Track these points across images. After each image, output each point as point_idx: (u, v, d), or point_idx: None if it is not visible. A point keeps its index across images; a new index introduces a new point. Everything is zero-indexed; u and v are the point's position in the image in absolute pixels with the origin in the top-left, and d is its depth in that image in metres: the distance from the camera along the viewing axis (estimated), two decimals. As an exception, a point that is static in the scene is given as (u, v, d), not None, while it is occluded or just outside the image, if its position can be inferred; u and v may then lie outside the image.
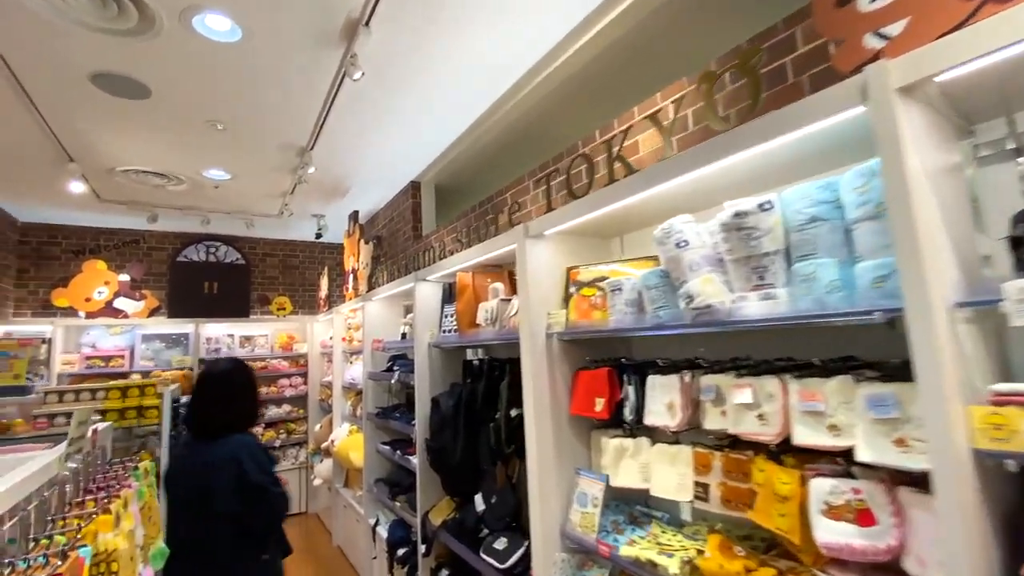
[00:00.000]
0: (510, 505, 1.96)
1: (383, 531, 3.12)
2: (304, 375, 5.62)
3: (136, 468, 1.43)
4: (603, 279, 1.63)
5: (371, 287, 4.04)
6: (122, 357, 4.91)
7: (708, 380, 1.29)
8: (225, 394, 1.88)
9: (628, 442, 1.51)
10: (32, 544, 0.83)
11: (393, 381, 2.98)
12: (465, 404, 2.31)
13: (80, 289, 4.92)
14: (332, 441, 4.19)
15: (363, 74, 2.23)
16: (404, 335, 3.35)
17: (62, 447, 1.00)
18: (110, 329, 5.02)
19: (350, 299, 4.46)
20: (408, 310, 3.77)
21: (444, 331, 2.57)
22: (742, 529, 1.33)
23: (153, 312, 5.28)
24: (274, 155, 3.52)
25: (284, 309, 5.86)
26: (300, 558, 4.06)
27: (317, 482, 4.60)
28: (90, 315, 4.93)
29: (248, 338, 5.58)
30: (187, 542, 1.60)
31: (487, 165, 3.78)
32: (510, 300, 2.04)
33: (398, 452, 3.02)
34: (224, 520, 1.65)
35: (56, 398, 2.49)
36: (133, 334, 5.11)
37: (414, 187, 4.15)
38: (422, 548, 2.43)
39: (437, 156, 3.73)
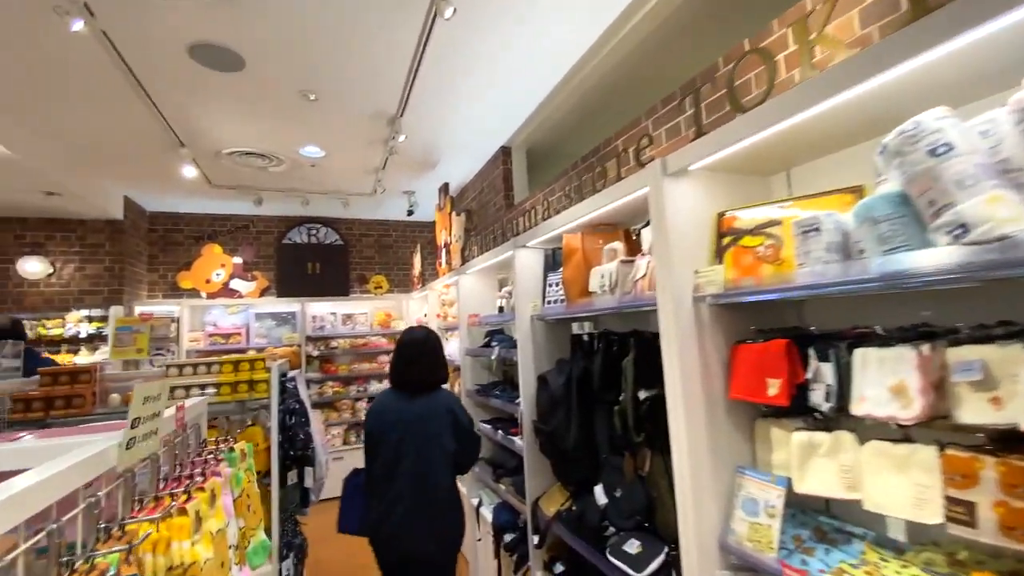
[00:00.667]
0: (640, 502, 1.66)
1: (487, 513, 2.97)
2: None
3: (232, 451, 1.30)
4: (772, 224, 1.24)
5: (464, 260, 3.86)
6: (239, 334, 5.24)
7: (965, 352, 0.89)
8: (431, 356, 2.20)
9: (821, 437, 1.13)
10: (64, 569, 0.59)
11: (493, 357, 2.78)
12: (577, 383, 2.03)
13: (201, 271, 5.30)
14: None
15: (455, 11, 1.97)
16: (501, 309, 3.12)
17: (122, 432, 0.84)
18: (228, 309, 5.37)
19: (443, 274, 4.34)
20: (503, 283, 3.54)
21: (549, 302, 2.29)
22: (1007, 562, 0.92)
23: (264, 292, 5.58)
24: (365, 126, 3.42)
25: (380, 288, 5.94)
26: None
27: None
28: (210, 295, 5.30)
29: (349, 316, 5.73)
30: (412, 474, 1.99)
31: (583, 123, 3.40)
32: (633, 261, 1.70)
33: (500, 432, 2.82)
34: (443, 456, 2.04)
35: (177, 371, 2.56)
36: (248, 313, 5.43)
37: (504, 153, 3.88)
38: (534, 539, 2.21)
39: (527, 117, 3.42)
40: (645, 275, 1.56)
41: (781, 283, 1.11)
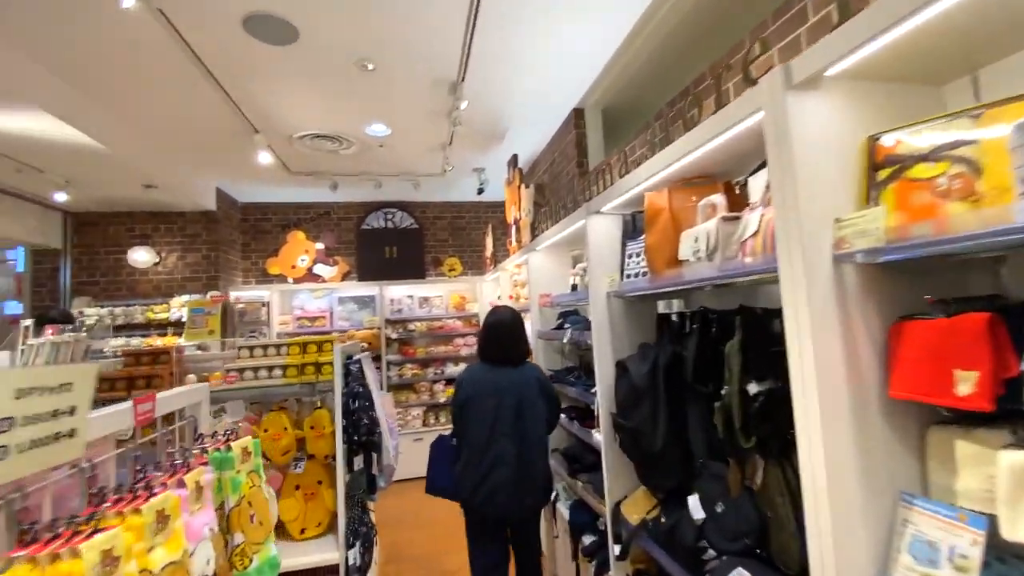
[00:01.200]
0: (749, 522, 1.31)
1: (564, 509, 2.73)
2: (477, 335, 5.58)
3: (228, 450, 1.10)
4: (960, 144, 0.84)
5: (534, 236, 3.59)
6: (324, 318, 5.40)
7: None
8: (516, 333, 2.44)
9: (1058, 462, 0.73)
10: None
11: (565, 340, 2.50)
12: (665, 372, 1.70)
13: (287, 257, 5.52)
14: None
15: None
16: (574, 287, 2.83)
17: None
18: (313, 293, 5.57)
19: (514, 253, 4.11)
20: (577, 260, 3.24)
21: (628, 276, 1.96)
22: None
23: (345, 276, 5.72)
24: (426, 96, 3.24)
25: (454, 270, 5.86)
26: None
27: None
28: (296, 280, 5.52)
29: (425, 299, 5.71)
30: (512, 437, 2.22)
31: (665, 74, 2.96)
32: (738, 218, 1.33)
33: (576, 423, 2.55)
34: (538, 420, 2.31)
35: (247, 352, 2.56)
36: (331, 297, 5.60)
37: (576, 115, 3.53)
38: (615, 549, 1.93)
39: (600, 73, 3.04)
40: (757, 232, 1.19)
41: (986, 226, 0.72)
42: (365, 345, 2.98)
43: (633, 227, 2.00)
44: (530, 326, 3.34)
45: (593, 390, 2.23)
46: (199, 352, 2.72)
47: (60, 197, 3.94)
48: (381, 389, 2.82)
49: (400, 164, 4.57)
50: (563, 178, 3.78)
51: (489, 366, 2.38)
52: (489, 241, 5.49)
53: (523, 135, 3.99)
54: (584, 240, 2.16)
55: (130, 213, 4.93)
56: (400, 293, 5.66)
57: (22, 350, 2.26)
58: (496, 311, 2.53)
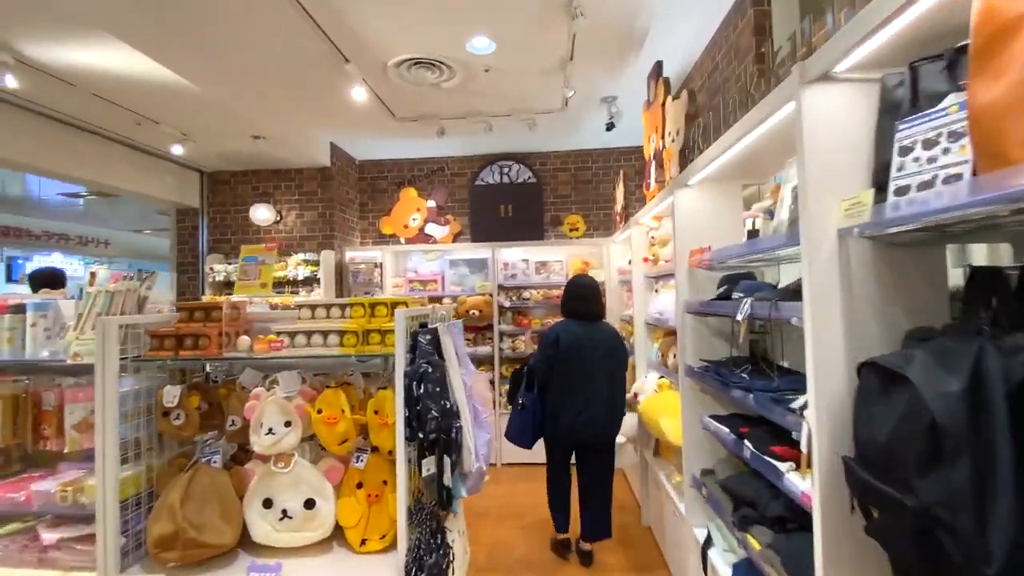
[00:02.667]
0: None
1: (721, 563, 1.84)
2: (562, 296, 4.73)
3: None
4: None
5: (683, 166, 2.59)
6: (435, 281, 5.00)
7: None
8: (597, 294, 3.02)
9: None
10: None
11: (740, 317, 1.55)
12: (1009, 397, 0.73)
13: (399, 216, 5.19)
14: (635, 395, 3.10)
15: None
16: (753, 233, 1.84)
17: None
18: (426, 255, 5.19)
19: (652, 199, 3.14)
20: (752, 200, 2.21)
21: (899, 191, 0.97)
22: None
23: (457, 237, 5.24)
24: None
25: (577, 230, 5.02)
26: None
27: (620, 439, 3.64)
28: (408, 241, 5.18)
29: (543, 264, 4.99)
30: (604, 378, 2.79)
31: None
32: None
33: (748, 445, 1.62)
34: (621, 365, 2.93)
35: (309, 313, 2.08)
36: (443, 260, 5.17)
37: (756, -9, 2.41)
38: None
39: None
40: None
41: None
42: (445, 312, 2.44)
43: (914, 96, 1.00)
44: (673, 297, 2.41)
45: (793, 403, 1.30)
46: (266, 310, 2.33)
47: (177, 150, 3.94)
48: (471, 367, 2.17)
49: (511, 96, 3.82)
50: (731, 85, 2.69)
51: (576, 322, 2.88)
52: (619, 193, 4.53)
53: (669, 36, 2.95)
54: (796, 138, 1.19)
55: (255, 171, 4.95)
56: (515, 256, 5.01)
57: (84, 297, 2.01)
58: (577, 276, 3.16)
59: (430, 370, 1.77)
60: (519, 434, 2.79)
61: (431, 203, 5.18)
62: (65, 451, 1.95)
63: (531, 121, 4.11)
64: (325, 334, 1.90)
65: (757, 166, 1.90)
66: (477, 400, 2.16)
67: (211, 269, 4.68)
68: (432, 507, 1.85)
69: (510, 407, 2.92)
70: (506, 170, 5.27)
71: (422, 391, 1.72)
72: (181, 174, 4.71)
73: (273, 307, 2.09)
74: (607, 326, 2.94)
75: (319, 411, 1.92)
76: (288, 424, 1.95)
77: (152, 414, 2.02)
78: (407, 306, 1.97)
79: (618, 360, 2.87)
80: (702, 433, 2.12)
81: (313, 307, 2.09)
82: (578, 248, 5.01)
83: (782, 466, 1.39)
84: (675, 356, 2.50)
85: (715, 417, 1.97)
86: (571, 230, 5.00)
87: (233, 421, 2.07)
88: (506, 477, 4.27)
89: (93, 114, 3.45)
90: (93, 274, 2.17)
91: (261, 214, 4.70)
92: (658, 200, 2.75)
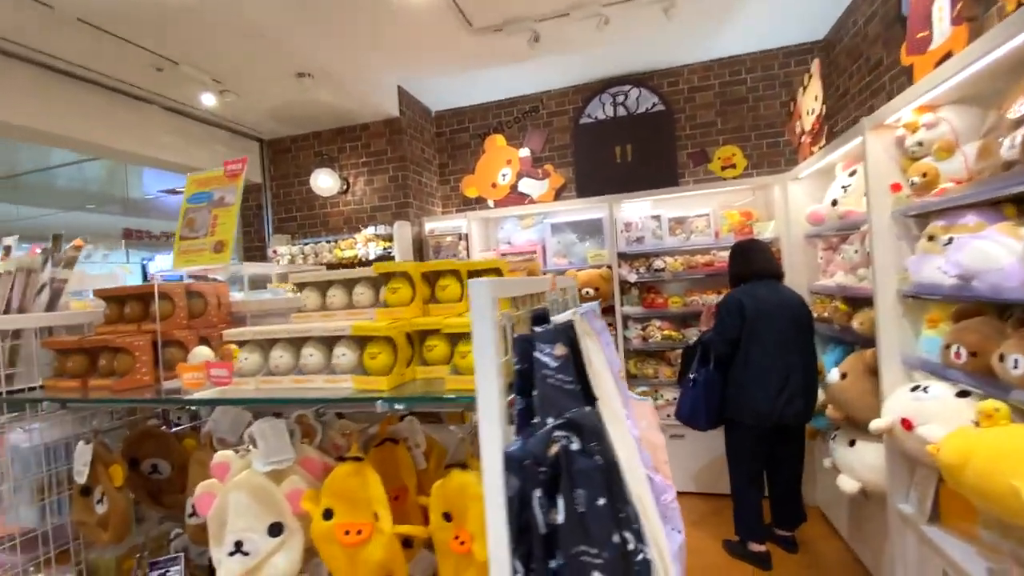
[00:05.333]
0: None
1: None
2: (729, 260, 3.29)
3: None
4: None
5: None
6: (534, 253, 3.88)
7: None
8: (770, 251, 2.71)
9: None
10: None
11: None
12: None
13: (485, 173, 4.12)
14: (905, 422, 1.72)
15: None
16: None
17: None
18: (521, 221, 4.08)
19: (924, 75, 1.70)
20: None
21: None
22: None
23: (560, 193, 4.06)
24: None
25: (733, 167, 3.56)
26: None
27: (849, 485, 2.25)
28: (497, 203, 4.10)
29: (680, 221, 3.64)
30: (797, 345, 2.45)
31: None
32: None
33: None
34: (810, 329, 2.52)
35: (316, 297, 1.04)
36: (543, 225, 4.02)
37: None
38: None
39: None
40: None
41: None
42: (567, 287, 1.30)
43: None
44: (985, 251, 1.04)
45: None
46: (280, 297, 1.36)
47: (209, 100, 3.18)
48: (627, 393, 1.03)
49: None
50: None
51: (756, 284, 2.53)
52: (807, 101, 3.02)
53: None
54: None
55: (316, 133, 4.16)
56: (640, 212, 3.71)
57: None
58: (750, 239, 2.87)
59: (576, 449, 0.62)
60: (691, 414, 2.54)
61: (524, 152, 4.04)
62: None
63: (668, 4, 2.76)
64: (330, 344, 0.84)
65: None
66: (649, 462, 0.99)
67: (274, 252, 3.98)
68: None
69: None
70: (621, 98, 3.96)
71: (560, 511, 0.58)
72: (236, 143, 4.04)
73: (139, 289, 1.11)
74: (790, 290, 2.61)
75: (327, 513, 0.86)
76: (276, 531, 0.92)
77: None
78: (500, 275, 0.85)
79: (808, 325, 2.52)
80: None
81: (326, 285, 1.04)
82: (732, 195, 3.58)
83: None
84: (1012, 359, 1.13)
85: None
86: (725, 168, 3.56)
87: (194, 507, 1.10)
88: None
89: (105, 63, 2.76)
90: (8, 248, 1.31)
91: (323, 181, 3.89)
92: (955, 67, 1.34)
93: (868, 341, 2.30)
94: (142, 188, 8.54)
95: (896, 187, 2.02)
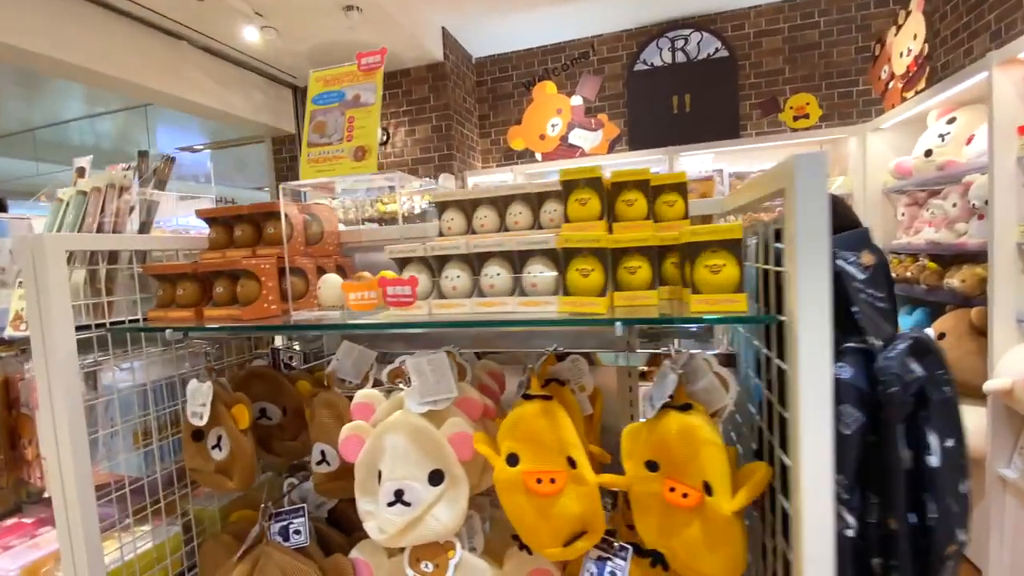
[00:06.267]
0: None
1: None
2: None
3: None
4: None
5: None
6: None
7: None
8: None
9: None
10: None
11: None
12: None
13: (534, 122, 3.90)
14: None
15: None
16: None
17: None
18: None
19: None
20: None
21: None
22: None
23: (613, 145, 3.84)
24: None
25: (807, 116, 3.33)
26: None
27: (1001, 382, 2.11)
28: (546, 156, 3.89)
29: (740, 176, 3.44)
30: None
31: None
32: None
33: None
34: None
35: (492, 213, 0.92)
36: (592, 181, 3.83)
37: None
38: None
39: None
40: None
41: None
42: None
43: None
44: None
45: None
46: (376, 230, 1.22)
47: (252, 35, 2.96)
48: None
49: None
50: None
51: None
52: (900, 39, 2.76)
53: None
54: None
55: (352, 79, 3.93)
56: (699, 167, 3.50)
57: (53, 208, 1.02)
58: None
59: (929, 378, 0.46)
60: None
61: (576, 100, 3.80)
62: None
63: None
64: (512, 263, 0.69)
65: None
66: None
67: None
68: None
69: None
70: (680, 43, 3.69)
71: (934, 451, 0.43)
72: (271, 90, 3.83)
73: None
74: None
75: (511, 458, 0.72)
76: (436, 479, 0.78)
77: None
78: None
79: None
80: None
81: (468, 204, 0.90)
82: (799, 148, 3.36)
83: None
84: None
85: None
86: (797, 118, 3.32)
87: (324, 454, 0.99)
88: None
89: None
90: (81, 169, 1.16)
91: (364, 130, 3.68)
92: None
93: (968, 299, 2.15)
94: (157, 146, 8.29)
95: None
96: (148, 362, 1.04)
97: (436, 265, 0.79)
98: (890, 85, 2.83)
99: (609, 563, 0.81)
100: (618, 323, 0.60)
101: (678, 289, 0.80)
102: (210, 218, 1.02)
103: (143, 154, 1.11)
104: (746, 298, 0.61)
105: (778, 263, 0.63)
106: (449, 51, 3.73)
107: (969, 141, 2.32)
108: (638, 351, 1.00)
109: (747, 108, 3.61)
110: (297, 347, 1.27)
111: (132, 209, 1.07)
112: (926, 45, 2.52)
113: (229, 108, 3.45)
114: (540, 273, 0.70)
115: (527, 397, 0.76)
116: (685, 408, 0.70)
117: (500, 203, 0.92)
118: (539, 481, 0.73)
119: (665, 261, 0.78)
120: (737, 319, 0.59)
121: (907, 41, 2.65)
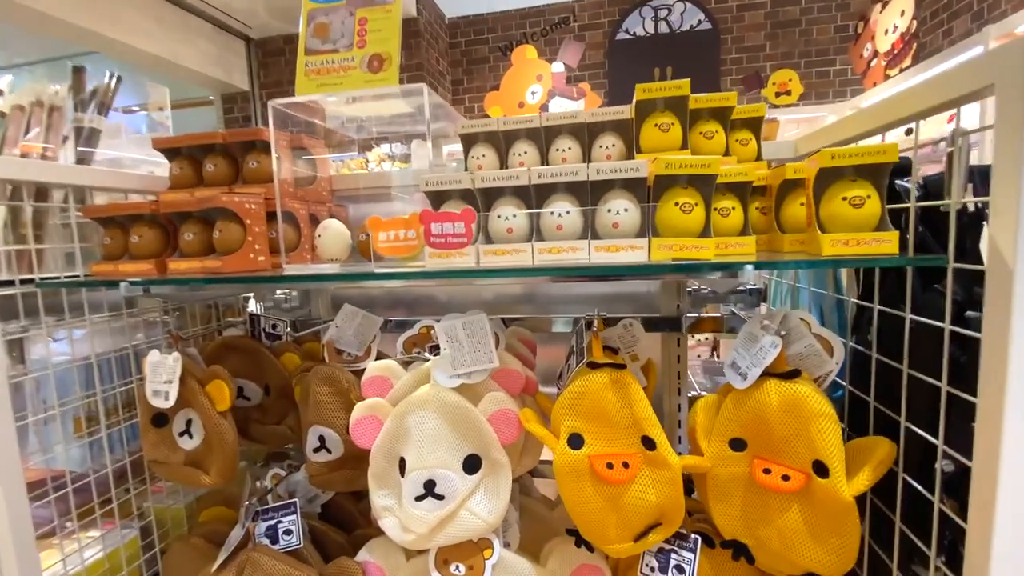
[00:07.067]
0: None
1: None
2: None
3: None
4: None
5: None
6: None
7: None
8: None
9: None
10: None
11: None
12: None
13: (512, 88, 3.70)
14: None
15: None
16: None
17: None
18: (546, 148, 3.73)
19: None
20: None
21: None
22: None
23: (593, 118, 3.71)
24: None
25: (789, 93, 3.30)
26: None
27: None
28: (525, 126, 3.72)
29: (721, 152, 3.40)
30: None
31: None
32: None
33: None
34: None
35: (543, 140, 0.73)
36: (571, 153, 3.70)
37: None
38: None
39: None
40: None
41: None
42: None
43: None
44: None
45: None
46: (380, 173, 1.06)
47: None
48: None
49: None
50: None
51: None
52: (886, 15, 2.75)
53: None
54: None
55: (314, 33, 3.59)
56: (681, 142, 3.44)
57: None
58: None
59: None
60: None
61: (558, 67, 3.63)
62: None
63: None
64: (613, 190, 0.54)
65: None
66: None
67: (270, 171, 3.49)
68: None
69: None
70: (663, 13, 3.58)
71: None
72: (221, 41, 3.44)
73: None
74: None
75: (574, 439, 0.57)
76: (472, 466, 0.61)
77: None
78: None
79: None
80: None
81: (501, 138, 0.74)
82: (784, 123, 3.35)
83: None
84: None
85: None
86: (779, 94, 3.30)
87: (323, 440, 0.82)
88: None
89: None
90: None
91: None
92: None
93: None
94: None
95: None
96: (93, 331, 0.83)
97: (484, 202, 0.64)
98: (872, 63, 2.83)
99: (674, 555, 0.70)
100: (748, 266, 0.47)
101: (765, 237, 0.68)
102: (171, 149, 0.81)
103: (78, 70, 0.88)
104: (898, 237, 0.49)
105: (927, 197, 0.52)
106: (423, 7, 3.47)
107: (951, 120, 2.34)
108: (688, 314, 0.88)
109: (727, 84, 3.56)
110: (284, 313, 1.08)
111: (66, 139, 0.84)
112: (914, 22, 2.52)
113: (177, 59, 3.06)
114: (624, 211, 0.57)
115: (592, 366, 0.63)
116: (790, 376, 0.58)
117: (541, 136, 0.76)
118: (610, 466, 0.61)
119: (750, 205, 0.66)
120: (894, 261, 0.46)
121: (893, 18, 2.65)
